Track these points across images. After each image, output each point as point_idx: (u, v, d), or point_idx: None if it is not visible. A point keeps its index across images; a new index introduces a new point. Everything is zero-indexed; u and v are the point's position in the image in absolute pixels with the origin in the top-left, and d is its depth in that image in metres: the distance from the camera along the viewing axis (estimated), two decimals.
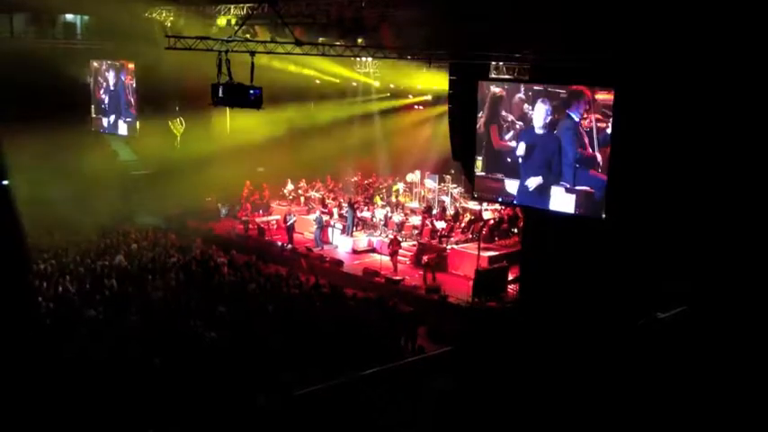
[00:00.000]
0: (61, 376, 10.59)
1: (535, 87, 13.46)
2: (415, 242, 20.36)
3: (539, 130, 13.47)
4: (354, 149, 26.28)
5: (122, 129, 24.40)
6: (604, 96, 12.26)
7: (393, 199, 24.21)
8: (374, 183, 26.00)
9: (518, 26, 14.78)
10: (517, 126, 13.90)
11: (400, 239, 19.98)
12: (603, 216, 13.70)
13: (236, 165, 24.24)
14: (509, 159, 14.20)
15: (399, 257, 19.40)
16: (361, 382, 11.45)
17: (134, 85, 23.52)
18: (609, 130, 12.15)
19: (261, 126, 23.33)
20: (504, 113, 14.08)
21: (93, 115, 25.40)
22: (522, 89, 13.77)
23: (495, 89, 14.33)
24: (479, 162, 14.86)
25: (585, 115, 12.55)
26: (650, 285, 13.95)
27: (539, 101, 13.36)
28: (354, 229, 21.52)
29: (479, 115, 14.83)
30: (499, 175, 14.44)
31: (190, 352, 11.83)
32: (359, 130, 26.14)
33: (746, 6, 12.21)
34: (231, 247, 20.35)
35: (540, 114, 13.37)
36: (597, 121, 12.34)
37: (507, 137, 13.93)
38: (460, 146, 16.85)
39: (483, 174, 14.78)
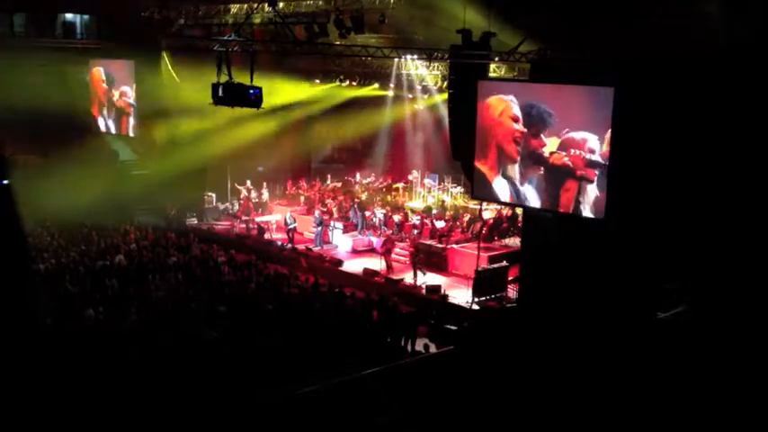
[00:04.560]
0: (61, 376, 10.60)
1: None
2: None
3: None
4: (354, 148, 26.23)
5: (122, 128, 24.39)
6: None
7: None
8: (374, 183, 26.01)
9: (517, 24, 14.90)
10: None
11: (393, 238, 20.00)
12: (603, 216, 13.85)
13: (236, 164, 24.22)
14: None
15: (399, 257, 19.39)
16: (361, 381, 11.44)
17: (134, 85, 23.52)
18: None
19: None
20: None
21: (93, 115, 25.38)
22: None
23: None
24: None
25: None
26: (651, 285, 13.95)
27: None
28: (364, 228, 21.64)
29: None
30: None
31: (190, 352, 11.82)
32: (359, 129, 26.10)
33: (747, 6, 12.24)
34: (231, 246, 20.35)
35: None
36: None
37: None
38: (460, 146, 16.86)
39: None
